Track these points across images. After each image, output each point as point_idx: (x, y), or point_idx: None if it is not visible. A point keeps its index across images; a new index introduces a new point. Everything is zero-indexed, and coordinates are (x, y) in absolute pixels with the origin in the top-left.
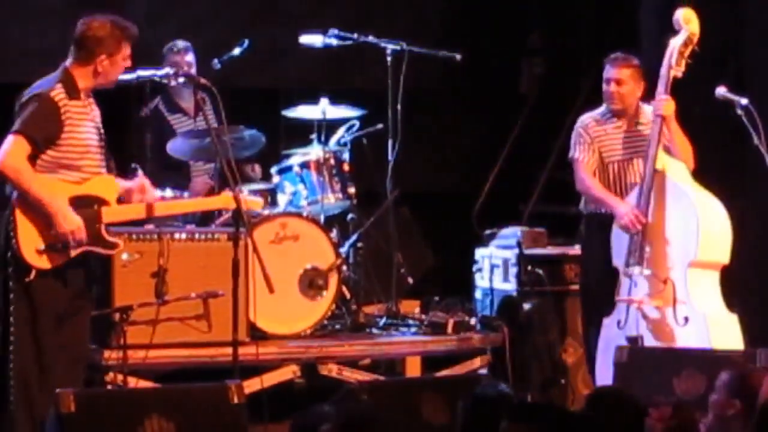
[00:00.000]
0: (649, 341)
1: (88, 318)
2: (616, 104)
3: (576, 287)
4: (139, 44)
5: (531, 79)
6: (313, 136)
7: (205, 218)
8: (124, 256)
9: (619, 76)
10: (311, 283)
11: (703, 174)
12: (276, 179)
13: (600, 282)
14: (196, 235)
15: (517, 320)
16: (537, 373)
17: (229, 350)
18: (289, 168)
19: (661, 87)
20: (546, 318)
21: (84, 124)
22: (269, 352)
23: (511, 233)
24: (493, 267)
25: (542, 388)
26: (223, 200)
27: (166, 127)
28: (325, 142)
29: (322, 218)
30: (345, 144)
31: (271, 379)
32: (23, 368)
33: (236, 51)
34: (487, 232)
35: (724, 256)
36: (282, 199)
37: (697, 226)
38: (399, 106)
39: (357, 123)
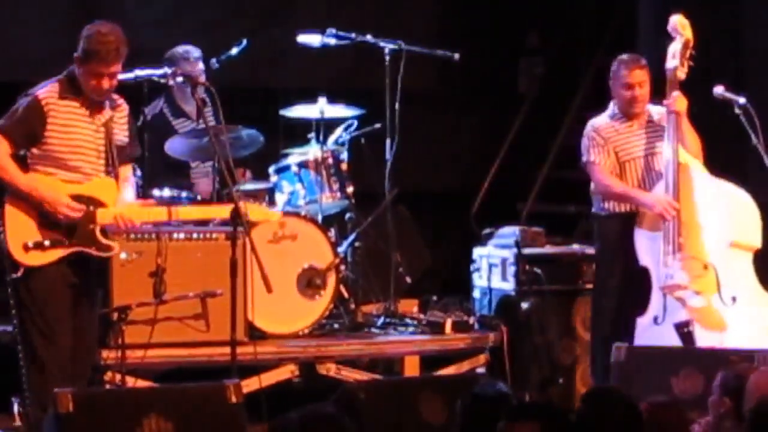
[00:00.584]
0: (696, 327)
1: (89, 318)
2: (639, 107)
3: (575, 287)
4: (139, 46)
5: (529, 79)
6: (311, 135)
7: None
8: (123, 256)
9: (642, 78)
10: (309, 282)
11: None
12: (274, 179)
13: (626, 283)
14: (194, 235)
15: (515, 320)
16: (535, 373)
17: (228, 350)
18: (287, 167)
19: (670, 85)
20: (544, 317)
21: (76, 123)
22: (267, 351)
23: (510, 233)
24: (491, 266)
25: (540, 388)
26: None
27: (170, 131)
28: (324, 142)
29: (320, 218)
30: (343, 143)
31: (269, 378)
32: (25, 364)
33: (234, 51)
34: (486, 231)
35: (757, 239)
36: (280, 199)
37: (733, 208)
38: (397, 106)
39: (355, 122)
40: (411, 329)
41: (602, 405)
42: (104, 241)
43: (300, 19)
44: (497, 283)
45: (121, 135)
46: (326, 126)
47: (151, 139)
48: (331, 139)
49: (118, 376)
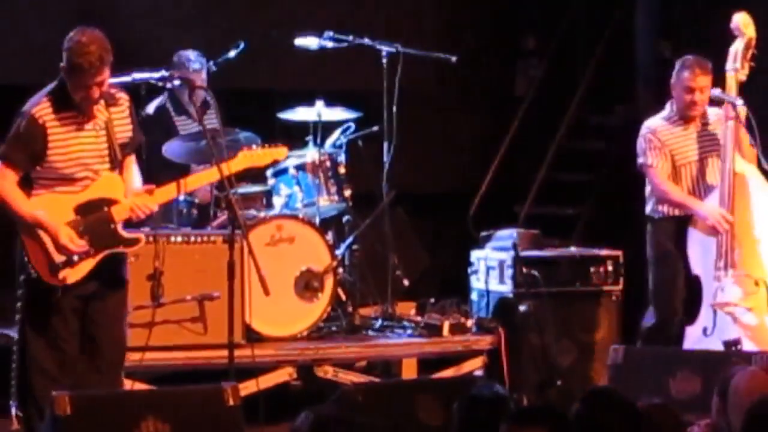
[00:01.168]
0: (747, 345)
1: (112, 323)
2: (698, 111)
3: (573, 289)
4: (135, 45)
5: (526, 81)
6: (309, 138)
7: (200, 220)
8: None
9: (705, 84)
10: (307, 285)
11: None
12: (271, 181)
13: (676, 288)
14: (192, 238)
15: (512, 322)
16: (533, 375)
17: (225, 352)
18: (285, 170)
19: (730, 90)
20: (542, 320)
21: (75, 134)
22: (265, 354)
23: (507, 235)
24: (488, 269)
25: (538, 390)
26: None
27: (172, 127)
28: (321, 144)
29: (317, 220)
30: (340, 146)
31: (267, 381)
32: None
33: (231, 53)
34: (483, 233)
35: None
36: (278, 202)
37: None
38: (394, 108)
39: (352, 125)
40: (408, 332)
41: (600, 406)
42: (128, 235)
43: (297, 22)
44: (495, 285)
45: (124, 132)
46: (324, 128)
47: (152, 134)
48: (329, 141)
49: None
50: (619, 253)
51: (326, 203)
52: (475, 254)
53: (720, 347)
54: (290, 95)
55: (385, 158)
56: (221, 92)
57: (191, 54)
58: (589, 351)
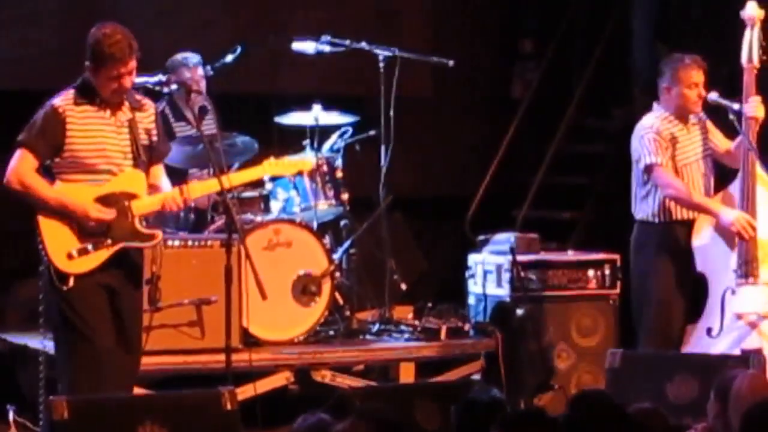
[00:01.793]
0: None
1: (135, 318)
2: (699, 107)
3: (570, 293)
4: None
5: (523, 85)
6: (306, 142)
7: (198, 225)
8: None
9: (703, 79)
10: (304, 289)
11: None
12: (269, 186)
13: (678, 291)
14: (189, 242)
15: (510, 326)
16: (530, 379)
17: (222, 357)
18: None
19: (748, 86)
20: (539, 323)
21: (95, 126)
22: (262, 358)
23: (504, 239)
24: (486, 273)
25: (535, 394)
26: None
27: (169, 132)
28: (318, 149)
29: (315, 224)
30: (338, 150)
31: (264, 385)
32: (74, 380)
33: (229, 57)
34: (480, 237)
35: None
36: (275, 206)
37: None
38: (392, 113)
39: (350, 129)
40: (406, 336)
41: (590, 409)
42: (146, 231)
43: (295, 26)
44: (492, 289)
45: (148, 135)
46: (321, 133)
47: None
48: (326, 146)
49: None
50: (617, 257)
51: (324, 207)
52: (472, 258)
53: (725, 350)
54: (288, 99)
55: (383, 162)
56: (219, 97)
57: (186, 53)
58: (586, 355)
